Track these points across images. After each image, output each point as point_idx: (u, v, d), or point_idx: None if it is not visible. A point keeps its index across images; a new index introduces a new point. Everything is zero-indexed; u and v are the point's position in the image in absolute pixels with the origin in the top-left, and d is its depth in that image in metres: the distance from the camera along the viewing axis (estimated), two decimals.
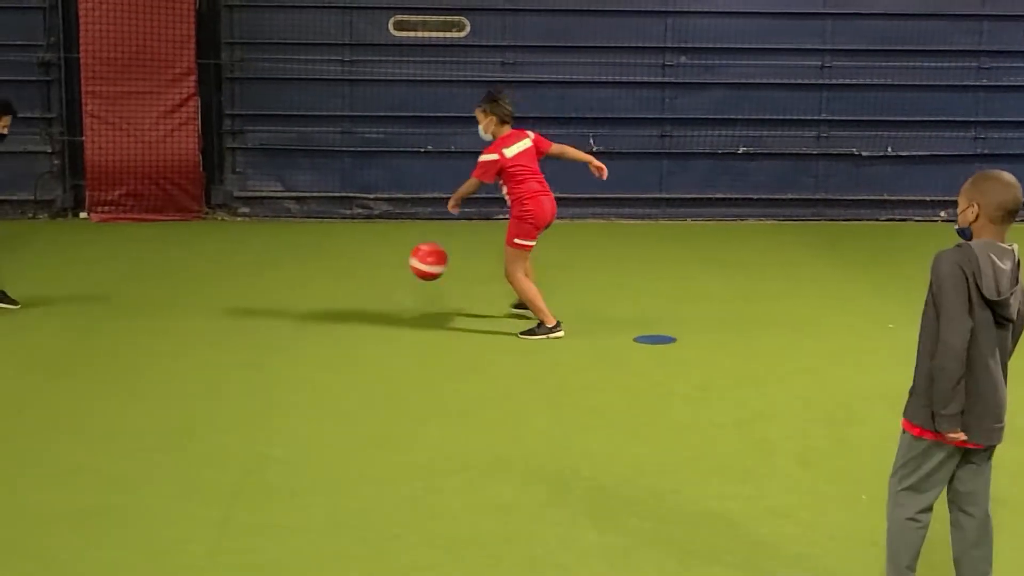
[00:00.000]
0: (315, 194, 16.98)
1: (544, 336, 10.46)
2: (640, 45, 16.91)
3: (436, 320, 11.09)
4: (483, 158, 10.42)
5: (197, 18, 16.28)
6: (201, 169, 16.57)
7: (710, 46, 16.94)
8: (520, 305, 11.22)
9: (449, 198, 10.94)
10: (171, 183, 16.37)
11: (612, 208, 17.06)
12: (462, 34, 16.90)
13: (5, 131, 11.08)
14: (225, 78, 16.70)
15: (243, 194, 16.90)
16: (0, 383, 9.09)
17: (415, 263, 10.68)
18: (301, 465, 7.38)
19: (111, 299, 11.80)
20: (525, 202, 10.43)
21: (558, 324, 10.53)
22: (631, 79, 16.95)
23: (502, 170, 10.40)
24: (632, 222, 16.94)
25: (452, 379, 9.33)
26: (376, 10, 16.72)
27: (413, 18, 16.85)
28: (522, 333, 10.56)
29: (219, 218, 16.77)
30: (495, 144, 10.46)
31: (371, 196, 16.94)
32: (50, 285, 12.23)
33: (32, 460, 7.43)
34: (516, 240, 10.52)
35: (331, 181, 17.00)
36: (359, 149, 16.92)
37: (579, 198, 16.57)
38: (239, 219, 16.81)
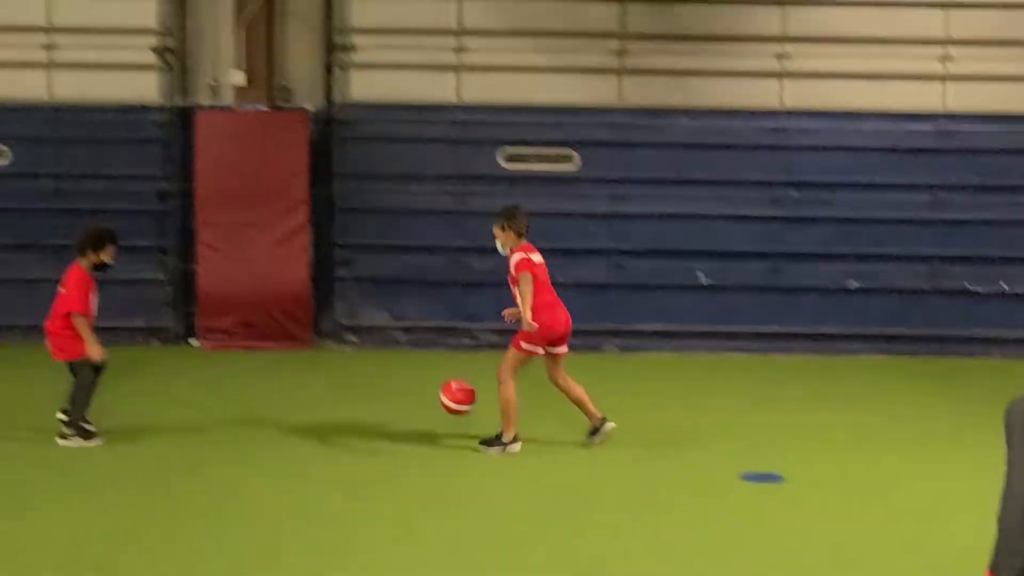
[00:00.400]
0: (423, 324, 17.04)
1: (500, 449, 10.83)
2: (750, 179, 16.87)
3: (538, 452, 10.97)
4: (515, 259, 10.94)
5: (310, 150, 16.57)
6: (311, 298, 16.72)
7: (821, 180, 16.84)
8: (593, 431, 11.19)
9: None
10: (281, 312, 16.52)
11: (722, 341, 16.87)
12: (572, 167, 16.99)
13: (110, 260, 11.33)
14: (337, 208, 16.93)
15: (352, 323, 17.01)
16: (99, 500, 9.15)
17: (444, 399, 10.99)
18: None
19: (216, 425, 11.91)
20: (540, 311, 10.79)
21: (516, 440, 10.86)
22: (741, 213, 16.88)
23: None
24: (742, 355, 16.72)
25: (552, 512, 9.18)
26: (486, 143, 16.90)
27: (523, 151, 16.99)
28: (481, 443, 10.91)
29: (328, 348, 16.88)
30: (518, 250, 11.02)
31: (479, 326, 16.95)
32: (157, 410, 12.34)
33: None
34: (523, 343, 10.85)
35: (439, 311, 17.05)
36: (468, 280, 16.97)
37: (689, 331, 16.52)
38: (347, 348, 16.90)
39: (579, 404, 11.19)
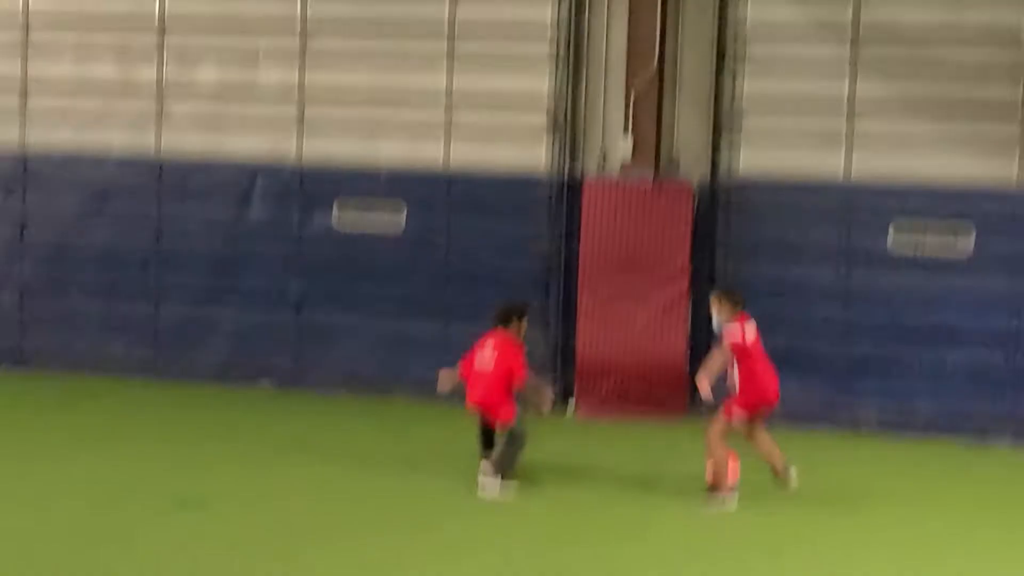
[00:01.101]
0: (802, 402, 16.57)
1: (721, 502, 11.52)
2: None
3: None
4: (729, 333, 11.59)
5: (694, 222, 16.49)
6: (687, 370, 16.58)
7: None
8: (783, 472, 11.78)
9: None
10: (657, 382, 16.46)
11: None
12: (967, 245, 16.15)
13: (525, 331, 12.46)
14: (717, 282, 16.74)
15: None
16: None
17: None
18: None
19: (590, 498, 11.98)
20: (756, 377, 11.58)
21: (733, 493, 11.53)
22: None
23: (740, 349, 11.54)
24: None
25: None
26: (875, 219, 16.33)
27: (915, 227, 16.31)
28: (709, 490, 11.64)
29: (702, 418, 16.64)
30: (733, 321, 11.65)
31: (861, 407, 16.35)
32: (529, 480, 12.47)
33: None
34: (735, 409, 11.63)
35: (820, 390, 16.52)
36: (851, 359, 16.42)
37: None
38: None
39: (769, 456, 11.82)
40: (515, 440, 11.97)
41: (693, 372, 16.43)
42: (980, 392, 15.96)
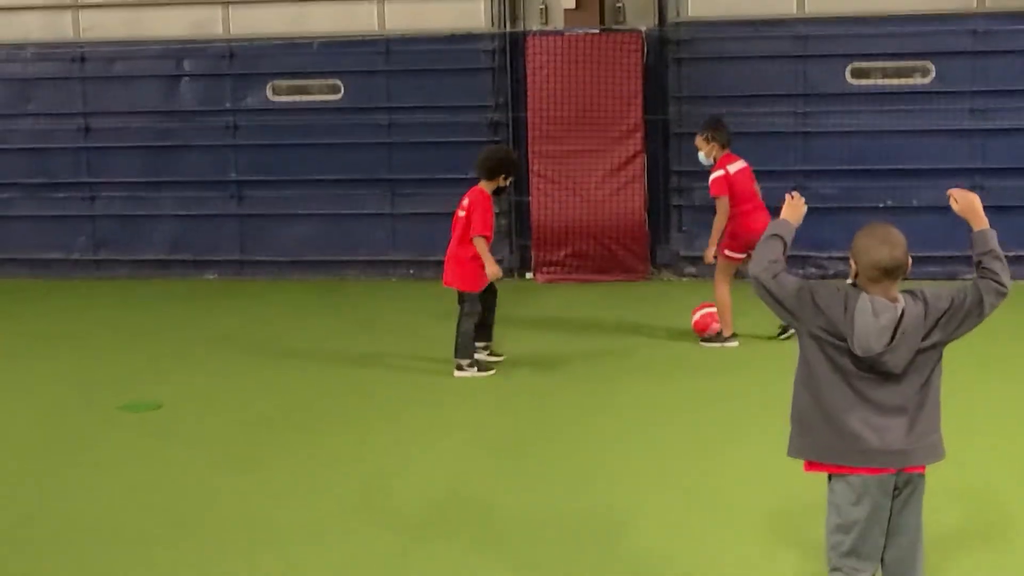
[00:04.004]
0: None
1: (720, 345, 11.70)
2: None
3: None
4: (714, 176, 11.55)
5: (644, 73, 15.86)
6: (647, 228, 16.08)
7: None
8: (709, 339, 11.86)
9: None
10: (616, 243, 15.96)
11: None
12: (926, 80, 15.72)
13: (506, 184, 11.18)
14: (673, 133, 16.20)
15: (690, 254, 16.24)
16: (432, 455, 8.79)
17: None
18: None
19: (558, 366, 11.48)
20: (739, 217, 11.49)
21: (734, 336, 11.76)
22: None
23: (723, 193, 11.47)
24: None
25: None
26: (832, 58, 15.81)
27: (872, 65, 15.83)
28: (703, 341, 11.80)
29: (665, 279, 16.24)
30: (718, 164, 11.58)
31: (825, 255, 15.93)
32: (503, 341, 11.98)
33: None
34: (726, 251, 11.59)
35: None
36: (813, 205, 15.77)
37: None
38: (685, 280, 16.20)
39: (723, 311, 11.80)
40: (466, 310, 10.86)
41: (653, 231, 16.13)
42: (948, 229, 15.47)
